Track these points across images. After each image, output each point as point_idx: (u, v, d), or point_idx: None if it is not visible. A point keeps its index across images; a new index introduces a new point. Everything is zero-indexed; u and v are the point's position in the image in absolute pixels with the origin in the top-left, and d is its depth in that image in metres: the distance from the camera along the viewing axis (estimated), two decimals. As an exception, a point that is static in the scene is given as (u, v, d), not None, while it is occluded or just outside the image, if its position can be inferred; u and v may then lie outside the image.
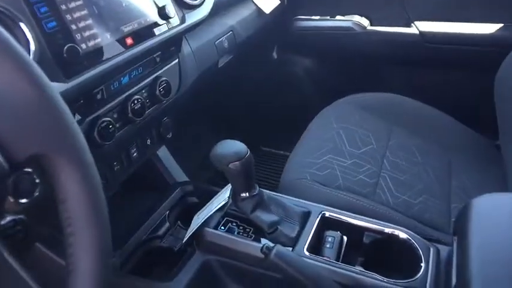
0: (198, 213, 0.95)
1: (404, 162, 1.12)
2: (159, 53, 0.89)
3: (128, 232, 0.92)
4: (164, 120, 1.02)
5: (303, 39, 1.64)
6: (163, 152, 1.13)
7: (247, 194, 0.84)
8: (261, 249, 0.68)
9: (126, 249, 0.90)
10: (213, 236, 0.86)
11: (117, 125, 0.80)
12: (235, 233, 0.86)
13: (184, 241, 0.87)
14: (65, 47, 0.64)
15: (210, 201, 0.96)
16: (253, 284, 0.83)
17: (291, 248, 0.81)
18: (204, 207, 0.95)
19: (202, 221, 0.89)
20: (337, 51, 1.64)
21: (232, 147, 0.81)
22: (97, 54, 0.71)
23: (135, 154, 0.95)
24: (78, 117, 0.72)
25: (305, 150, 1.15)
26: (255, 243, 0.82)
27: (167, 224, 0.95)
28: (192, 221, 0.93)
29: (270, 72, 1.73)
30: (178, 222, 0.99)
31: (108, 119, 0.77)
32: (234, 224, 0.88)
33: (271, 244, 0.70)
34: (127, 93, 0.82)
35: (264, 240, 0.81)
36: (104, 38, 0.72)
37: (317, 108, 1.31)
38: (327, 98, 1.38)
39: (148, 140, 0.99)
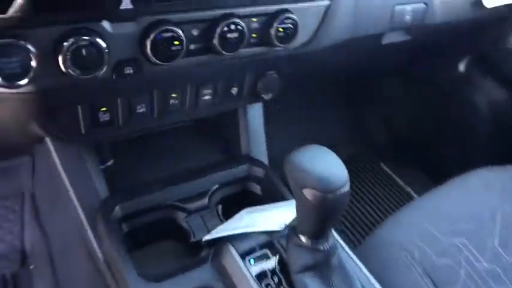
0: (247, 210, 0.70)
1: None
2: None
3: (153, 185, 0.72)
4: (269, 74, 0.73)
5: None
6: (256, 115, 0.86)
7: (309, 241, 0.51)
8: None
9: (137, 203, 0.70)
10: (233, 268, 0.59)
11: (191, 47, 0.58)
12: (264, 285, 0.55)
13: (203, 239, 0.66)
14: None
15: (269, 206, 0.70)
16: None
17: None
18: (258, 209, 0.70)
19: (237, 232, 0.63)
20: None
21: (324, 164, 0.47)
22: None
23: (206, 97, 0.68)
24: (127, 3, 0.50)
25: (435, 211, 0.79)
26: None
27: (205, 201, 0.73)
28: (232, 218, 0.69)
29: (443, 86, 1.32)
30: (219, 206, 0.75)
31: (178, 30, 0.53)
32: (270, 271, 0.57)
33: None
34: (222, 11, 0.58)
35: None
36: None
37: (485, 161, 0.93)
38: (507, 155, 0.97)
39: (234, 89, 0.70)
